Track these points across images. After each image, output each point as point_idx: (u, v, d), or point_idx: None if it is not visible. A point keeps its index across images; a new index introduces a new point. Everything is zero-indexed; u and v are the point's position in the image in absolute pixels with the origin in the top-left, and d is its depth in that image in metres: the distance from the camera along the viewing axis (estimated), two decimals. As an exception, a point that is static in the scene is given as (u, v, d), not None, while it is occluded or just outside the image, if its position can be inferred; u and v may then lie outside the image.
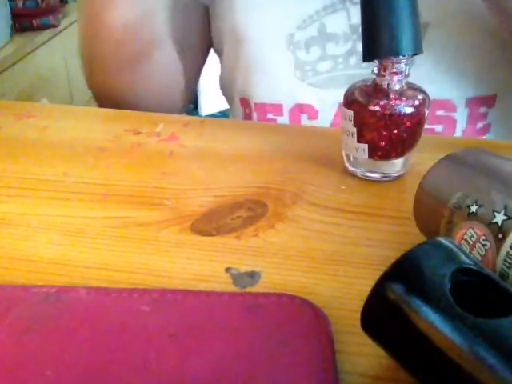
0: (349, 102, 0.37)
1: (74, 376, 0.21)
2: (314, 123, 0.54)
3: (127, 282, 0.27)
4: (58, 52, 1.54)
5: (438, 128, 0.54)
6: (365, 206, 0.35)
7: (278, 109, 0.55)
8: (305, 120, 0.54)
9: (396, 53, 0.34)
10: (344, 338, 0.23)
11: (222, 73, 0.60)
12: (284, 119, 0.56)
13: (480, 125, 0.54)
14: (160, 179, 0.37)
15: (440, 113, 0.53)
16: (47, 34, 1.50)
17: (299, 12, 0.51)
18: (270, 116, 0.56)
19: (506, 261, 0.23)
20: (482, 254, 0.24)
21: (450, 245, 0.21)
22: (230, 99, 0.61)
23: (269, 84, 0.55)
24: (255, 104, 0.56)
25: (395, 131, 0.36)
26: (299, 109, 0.55)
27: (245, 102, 0.57)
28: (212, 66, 0.63)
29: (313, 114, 0.54)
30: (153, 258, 0.29)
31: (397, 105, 0.35)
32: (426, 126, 0.53)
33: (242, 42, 0.54)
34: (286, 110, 0.55)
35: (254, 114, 0.56)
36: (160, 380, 0.21)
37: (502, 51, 0.48)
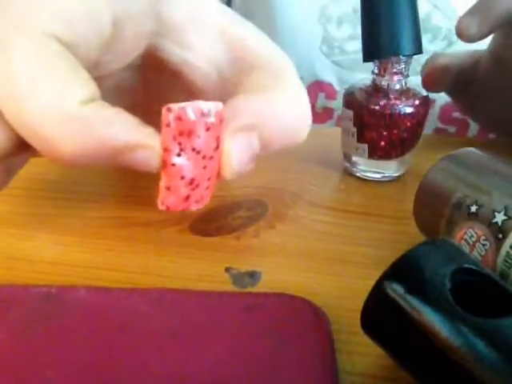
0: (349, 101, 0.37)
1: (73, 376, 0.21)
2: (331, 104, 0.53)
3: (127, 281, 0.27)
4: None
5: (451, 129, 0.54)
6: (365, 205, 0.35)
7: None
8: (322, 99, 0.53)
9: (396, 53, 0.34)
10: (344, 338, 0.23)
11: None
12: None
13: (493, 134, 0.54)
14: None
15: (456, 114, 0.53)
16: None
17: None
18: None
19: (506, 261, 0.23)
20: (482, 253, 0.24)
21: (450, 245, 0.21)
22: None
23: (291, 54, 0.53)
24: None
25: (395, 131, 0.36)
26: (318, 86, 0.53)
27: None
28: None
29: (332, 93, 0.53)
30: (153, 258, 0.29)
31: (397, 105, 0.35)
32: (440, 126, 0.53)
33: (267, 5, 0.52)
34: (304, 85, 0.54)
35: None
36: (160, 380, 0.21)
37: None
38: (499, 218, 0.24)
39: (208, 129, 0.23)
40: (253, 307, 0.24)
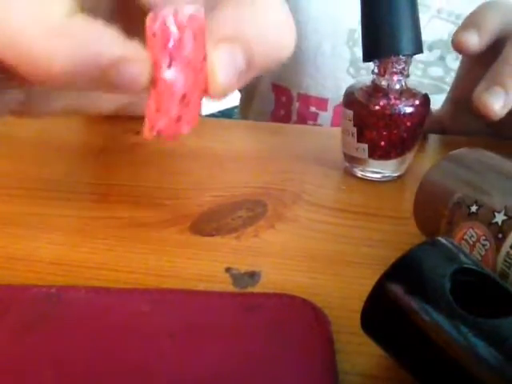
0: (349, 101, 0.37)
1: (74, 376, 0.21)
2: None
3: (127, 282, 0.27)
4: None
5: None
6: (365, 206, 0.35)
7: (323, 103, 0.54)
8: None
9: (396, 52, 0.34)
10: (344, 338, 0.23)
11: None
12: (327, 115, 0.54)
13: None
14: (160, 179, 0.37)
15: None
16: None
17: None
18: (312, 109, 0.55)
19: (506, 261, 0.23)
20: (482, 253, 0.24)
21: (450, 245, 0.21)
22: (253, 85, 0.59)
23: (318, 76, 0.54)
24: (299, 94, 0.55)
25: (395, 131, 0.36)
26: None
27: (281, 90, 0.55)
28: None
29: None
30: (153, 258, 0.29)
31: (397, 105, 0.35)
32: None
33: (295, 27, 0.53)
34: (330, 106, 0.54)
35: (296, 104, 0.55)
36: (160, 380, 0.21)
37: None
38: (499, 217, 0.24)
39: (194, 35, 0.21)
40: (253, 307, 0.24)
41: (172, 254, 0.29)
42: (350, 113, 0.36)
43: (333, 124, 0.55)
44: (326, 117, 0.54)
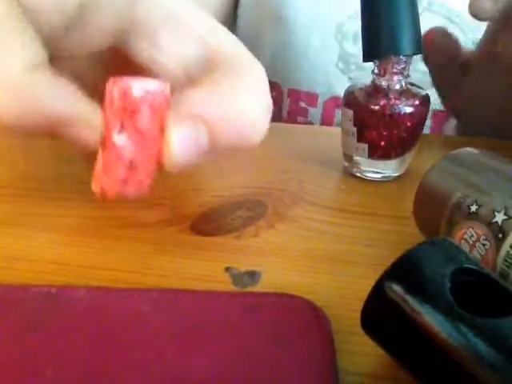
0: (349, 101, 0.37)
1: (73, 376, 0.21)
2: None
3: (127, 281, 0.27)
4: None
5: None
6: (365, 205, 0.35)
7: (313, 99, 0.54)
8: (339, 115, 0.54)
9: (396, 53, 0.34)
10: (344, 338, 0.23)
11: None
12: (317, 111, 0.54)
13: None
14: (160, 179, 0.37)
15: None
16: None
17: (353, 1, 0.51)
18: (302, 105, 0.55)
19: (506, 260, 0.23)
20: (482, 253, 0.24)
21: (450, 245, 0.21)
22: None
23: (308, 71, 0.54)
24: (289, 89, 0.55)
25: (395, 131, 0.36)
26: (335, 102, 0.54)
27: (272, 86, 0.56)
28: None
29: None
30: (152, 258, 0.29)
31: (397, 105, 0.35)
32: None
33: (284, 22, 0.53)
34: (320, 101, 0.54)
35: (287, 100, 0.55)
36: (160, 380, 0.21)
37: None
38: (499, 217, 0.24)
39: (153, 109, 0.22)
40: (253, 307, 0.24)
41: (172, 254, 0.29)
42: (350, 113, 0.36)
43: (323, 120, 0.55)
44: (315, 112, 0.54)
